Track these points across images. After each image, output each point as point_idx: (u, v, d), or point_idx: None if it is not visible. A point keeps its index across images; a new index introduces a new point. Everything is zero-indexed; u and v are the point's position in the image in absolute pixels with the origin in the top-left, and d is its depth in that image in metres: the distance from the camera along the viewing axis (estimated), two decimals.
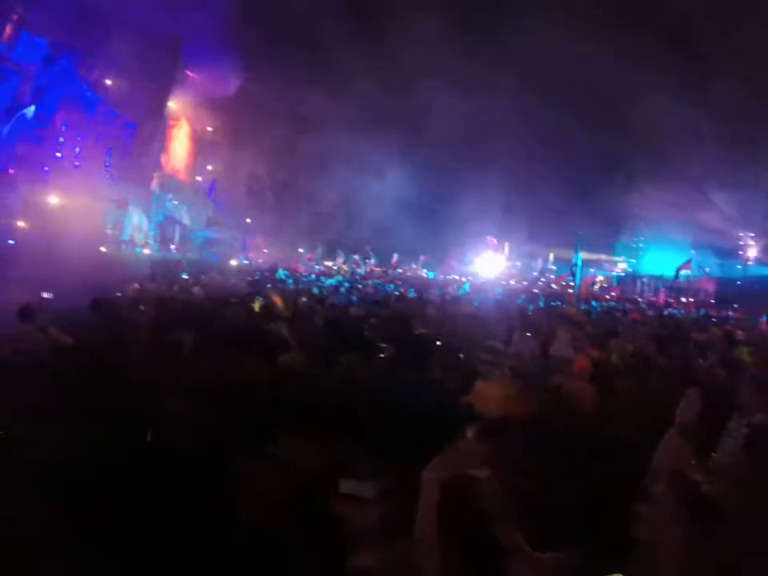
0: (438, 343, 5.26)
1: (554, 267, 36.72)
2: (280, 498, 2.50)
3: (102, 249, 21.17)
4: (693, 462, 2.92)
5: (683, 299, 26.67)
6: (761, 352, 7.79)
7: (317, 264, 33.27)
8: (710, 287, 30.49)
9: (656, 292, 26.74)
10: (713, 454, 3.26)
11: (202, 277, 15.31)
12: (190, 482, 2.72)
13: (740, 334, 10.34)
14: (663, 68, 30.19)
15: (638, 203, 34.45)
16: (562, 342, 6.46)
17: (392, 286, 18.32)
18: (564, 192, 34.28)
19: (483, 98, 31.98)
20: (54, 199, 21.63)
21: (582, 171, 35.95)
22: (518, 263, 38.43)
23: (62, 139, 24.86)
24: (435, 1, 31.51)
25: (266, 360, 4.31)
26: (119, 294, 9.29)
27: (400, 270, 32.76)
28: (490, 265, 36.52)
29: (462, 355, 5.27)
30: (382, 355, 4.82)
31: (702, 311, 19.93)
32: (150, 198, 29.60)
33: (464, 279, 27.03)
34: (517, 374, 4.22)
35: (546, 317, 10.15)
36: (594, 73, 30.65)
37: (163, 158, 31.92)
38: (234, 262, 25.72)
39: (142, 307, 8.32)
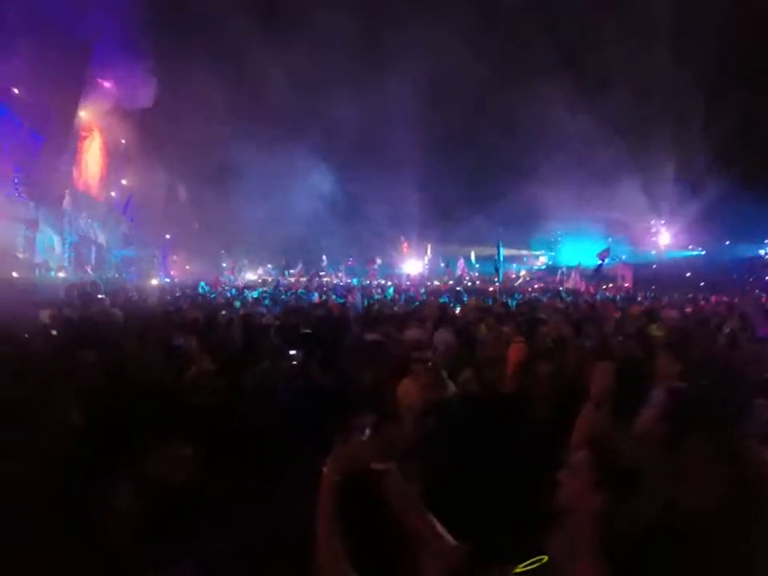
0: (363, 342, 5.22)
1: (478, 265, 37.46)
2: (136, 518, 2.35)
3: (15, 274, 20.02)
4: (610, 432, 2.96)
5: (604, 286, 27.77)
6: (673, 326, 8.18)
7: (240, 277, 32.59)
8: (627, 273, 31.86)
9: (575, 281, 27.70)
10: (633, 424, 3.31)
11: (120, 299, 14.68)
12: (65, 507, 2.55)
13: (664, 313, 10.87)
14: (565, 64, 31.44)
15: (552, 198, 35.62)
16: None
17: (315, 294, 18.15)
18: (482, 192, 35.17)
19: (399, 104, 32.32)
20: None
21: (499, 171, 36.89)
22: (442, 264, 39.04)
23: None
24: (347, 11, 31.62)
25: (172, 374, 4.18)
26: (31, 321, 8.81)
27: (326, 279, 32.54)
28: (413, 267, 36.98)
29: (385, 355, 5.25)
30: (294, 362, 4.73)
31: (618, 296, 20.78)
32: (62, 217, 28.06)
33: (389, 283, 27.11)
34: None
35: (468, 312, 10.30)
36: (502, 74, 31.64)
37: (75, 173, 30.21)
38: (154, 281, 24.79)
39: (54, 332, 8.00)
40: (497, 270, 18.38)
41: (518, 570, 1.70)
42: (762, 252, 32.89)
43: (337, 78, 31.21)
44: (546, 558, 1.80)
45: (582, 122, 32.67)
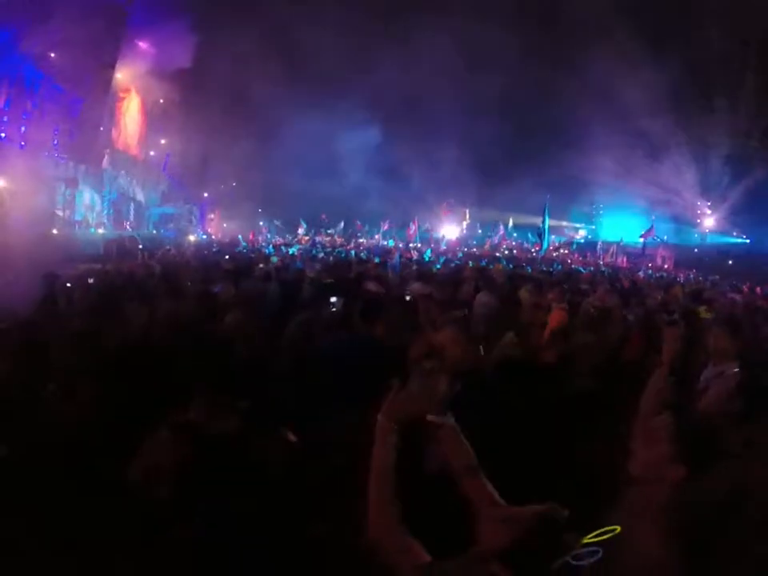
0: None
1: (516, 234, 36.99)
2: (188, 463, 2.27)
3: (54, 231, 20.43)
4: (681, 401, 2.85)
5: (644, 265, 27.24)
6: (721, 308, 7.92)
7: (277, 235, 32.93)
8: (668, 254, 31.15)
9: (615, 256, 27.15)
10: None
11: (157, 252, 14.91)
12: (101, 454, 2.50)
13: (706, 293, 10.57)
14: (617, 28, 30.31)
15: (596, 169, 34.83)
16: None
17: (353, 252, 18.19)
18: (523, 159, 34.47)
19: (440, 67, 31.71)
20: None
21: (542, 139, 36.04)
22: (480, 231, 38.59)
23: (5, 119, 23.61)
24: None
25: (210, 322, 4.15)
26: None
27: (363, 240, 32.55)
28: (450, 232, 36.63)
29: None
30: (333, 309, 4.70)
31: (659, 274, 20.34)
32: (102, 176, 28.56)
33: (425, 246, 26.95)
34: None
35: (508, 278, 10.07)
36: (547, 38, 30.73)
37: (114, 133, 30.57)
38: (192, 237, 25.17)
39: (90, 280, 8.12)
40: (540, 236, 17.78)
41: (587, 540, 1.54)
42: None
43: (379, 37, 30.66)
44: (618, 528, 1.64)
45: (632, 93, 31.62)
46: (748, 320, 7.36)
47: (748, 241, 37.99)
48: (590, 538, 1.53)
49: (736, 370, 2.99)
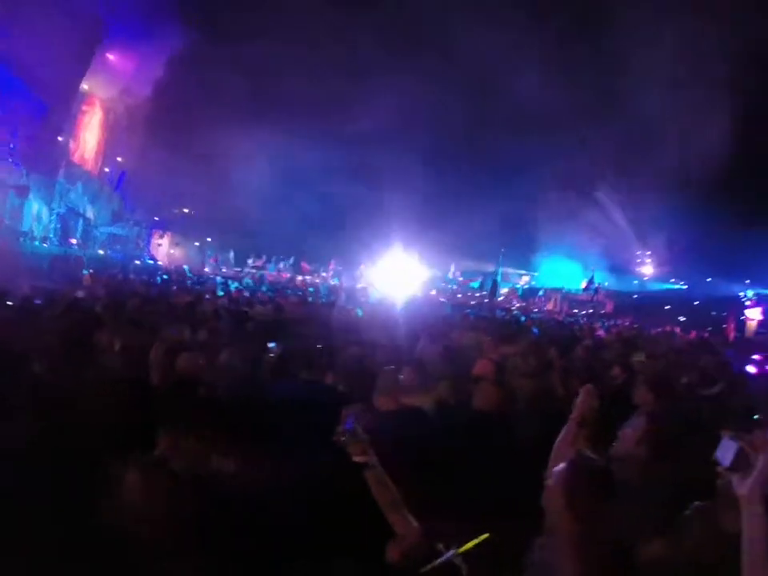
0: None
1: (461, 279, 37.44)
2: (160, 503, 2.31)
3: None
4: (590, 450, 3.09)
5: (584, 311, 28.03)
6: (653, 355, 8.39)
7: (224, 267, 32.68)
8: (608, 300, 32.22)
9: (555, 303, 28.02)
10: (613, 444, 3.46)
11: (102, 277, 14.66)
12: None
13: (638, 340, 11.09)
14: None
15: (538, 218, 35.71)
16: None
17: (300, 291, 18.30)
18: (469, 206, 35.05)
19: (394, 112, 32.26)
20: None
21: (486, 186, 36.76)
22: (435, 272, 38.80)
23: None
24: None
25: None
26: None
27: (309, 277, 32.69)
28: (398, 274, 36.55)
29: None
30: (271, 355, 4.83)
31: (602, 321, 21.09)
32: (54, 188, 27.68)
33: (372, 288, 27.11)
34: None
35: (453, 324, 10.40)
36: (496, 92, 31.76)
37: (72, 145, 29.73)
38: (138, 262, 24.68)
39: (37, 301, 8.00)
40: (495, 284, 18.26)
41: (461, 550, 1.82)
42: (741, 293, 33.46)
43: (346, 76, 31.10)
44: (488, 535, 1.91)
45: (571, 146, 32.87)
46: (676, 369, 7.82)
47: (686, 287, 39.61)
48: (466, 547, 1.84)
49: (644, 418, 3.30)
